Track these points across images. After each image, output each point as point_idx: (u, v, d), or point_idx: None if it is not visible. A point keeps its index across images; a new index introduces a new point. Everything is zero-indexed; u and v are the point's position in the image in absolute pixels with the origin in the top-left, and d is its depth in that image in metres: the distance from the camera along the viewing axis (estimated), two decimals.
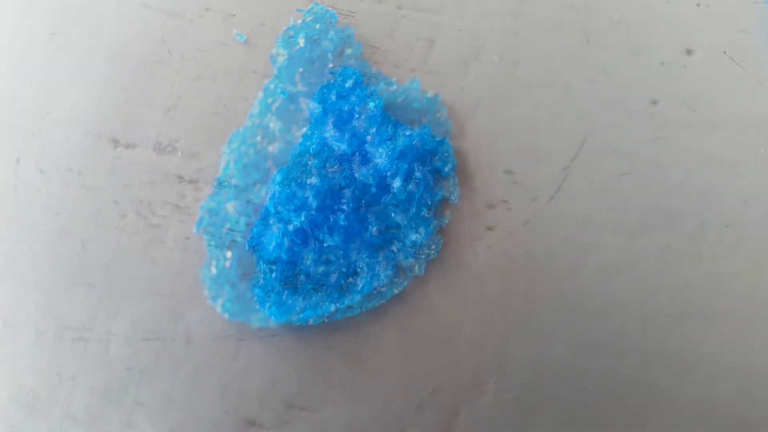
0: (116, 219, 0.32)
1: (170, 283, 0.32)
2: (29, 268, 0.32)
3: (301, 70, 0.31)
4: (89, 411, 0.32)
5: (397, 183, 0.35)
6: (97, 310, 0.32)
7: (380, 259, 0.36)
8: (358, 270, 0.35)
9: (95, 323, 0.32)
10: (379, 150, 0.36)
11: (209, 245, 0.31)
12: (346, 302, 0.35)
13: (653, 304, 0.36)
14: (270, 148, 0.31)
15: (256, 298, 0.36)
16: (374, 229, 0.36)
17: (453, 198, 0.37)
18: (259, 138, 0.30)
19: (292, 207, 0.36)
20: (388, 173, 0.35)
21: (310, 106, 0.38)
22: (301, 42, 0.31)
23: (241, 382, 0.35)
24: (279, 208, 0.36)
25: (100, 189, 0.32)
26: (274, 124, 0.31)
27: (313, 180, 0.36)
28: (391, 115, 0.36)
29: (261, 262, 0.36)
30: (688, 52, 0.37)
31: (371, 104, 0.37)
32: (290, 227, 0.35)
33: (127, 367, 0.32)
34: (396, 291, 0.36)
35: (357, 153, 0.36)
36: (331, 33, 0.32)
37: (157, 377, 0.33)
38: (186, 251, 0.32)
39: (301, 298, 0.35)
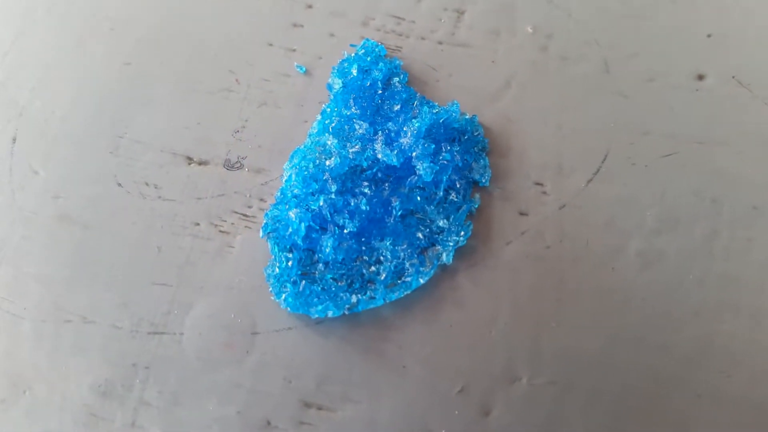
0: (190, 227, 0.35)
1: (238, 282, 0.34)
2: (107, 271, 0.35)
3: (354, 96, 0.35)
4: (162, 398, 0.33)
5: (423, 164, 0.33)
6: (172, 307, 0.34)
7: (405, 246, 0.33)
8: (381, 258, 0.33)
9: (169, 319, 0.34)
10: (404, 128, 0.33)
11: (273, 248, 0.34)
12: (369, 293, 0.33)
13: (700, 295, 0.33)
14: (327, 163, 0.33)
15: (270, 289, 0.33)
16: (398, 214, 0.33)
17: (484, 181, 0.34)
18: (317, 154, 0.34)
19: (310, 190, 0.33)
20: (414, 154, 0.33)
21: (329, 81, 0.36)
22: (354, 72, 0.35)
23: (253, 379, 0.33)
24: (295, 191, 0.33)
25: (174, 201, 0.35)
26: (331, 142, 0.34)
27: (333, 161, 0.33)
28: (433, 135, 0.34)
29: (276, 250, 0.33)
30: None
31: (395, 79, 0.35)
32: (308, 212, 0.33)
33: (197, 357, 0.34)
34: (422, 281, 0.33)
35: (380, 132, 0.34)
36: (381, 64, 0.35)
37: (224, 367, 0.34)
38: (252, 254, 0.35)
39: (319, 288, 0.33)
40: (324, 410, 0.33)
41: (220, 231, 0.35)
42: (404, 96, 0.34)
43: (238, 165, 0.36)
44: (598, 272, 0.33)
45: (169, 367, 0.33)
